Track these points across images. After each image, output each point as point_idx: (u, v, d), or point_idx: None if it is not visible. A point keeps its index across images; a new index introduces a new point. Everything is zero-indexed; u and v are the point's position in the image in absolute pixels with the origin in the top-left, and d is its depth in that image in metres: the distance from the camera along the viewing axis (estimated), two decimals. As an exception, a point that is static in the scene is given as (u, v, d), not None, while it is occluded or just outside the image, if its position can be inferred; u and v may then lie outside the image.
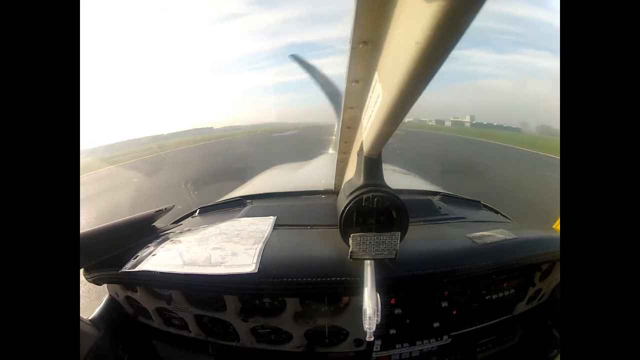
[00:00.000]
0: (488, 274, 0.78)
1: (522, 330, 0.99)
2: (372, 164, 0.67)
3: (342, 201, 0.69)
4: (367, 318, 0.57)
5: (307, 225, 0.96)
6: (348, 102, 0.63)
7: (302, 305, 0.77)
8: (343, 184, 0.89)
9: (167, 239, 0.85)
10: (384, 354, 0.83)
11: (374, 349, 0.82)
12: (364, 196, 0.62)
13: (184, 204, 1.81)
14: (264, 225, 0.93)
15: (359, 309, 0.59)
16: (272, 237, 0.84)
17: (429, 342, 0.84)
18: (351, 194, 0.65)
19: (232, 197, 1.41)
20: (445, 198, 1.29)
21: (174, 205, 1.01)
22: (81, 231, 0.64)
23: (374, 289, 0.60)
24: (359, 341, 0.81)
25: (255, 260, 0.70)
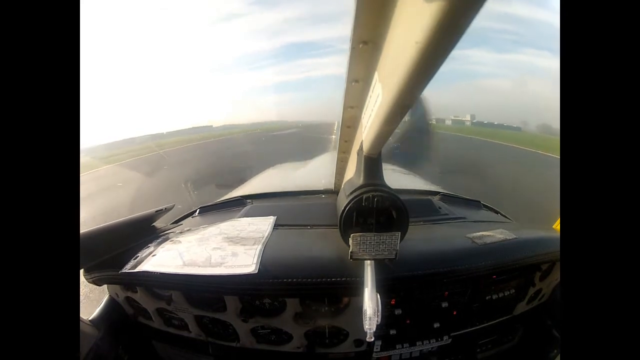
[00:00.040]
0: (488, 274, 0.78)
1: (522, 330, 0.99)
2: (372, 164, 0.67)
3: (342, 201, 0.69)
4: (367, 318, 0.57)
5: (307, 225, 0.96)
6: (348, 101, 0.63)
7: (302, 305, 0.77)
8: (343, 184, 0.89)
9: (167, 239, 0.85)
10: (384, 354, 0.83)
11: (374, 350, 0.82)
12: (364, 196, 0.62)
13: (184, 204, 1.81)
14: (264, 225, 0.93)
15: (359, 310, 0.59)
16: (272, 237, 0.84)
17: (429, 342, 0.84)
18: (351, 193, 0.65)
19: (232, 196, 1.41)
20: (445, 198, 1.29)
21: (174, 205, 1.01)
22: (81, 231, 0.64)
23: (374, 290, 0.60)
24: (359, 341, 0.81)
25: (255, 261, 0.70)
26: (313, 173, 2.07)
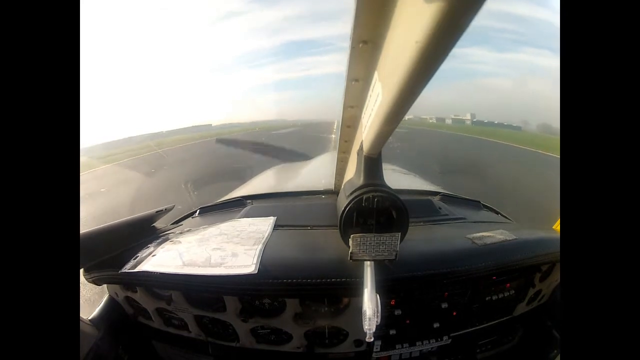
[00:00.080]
0: (488, 274, 0.78)
1: (522, 331, 0.99)
2: (372, 164, 0.67)
3: (342, 201, 0.69)
4: (367, 319, 0.57)
5: (307, 226, 0.96)
6: (348, 101, 0.63)
7: (302, 306, 0.77)
8: (343, 184, 0.89)
9: (167, 239, 0.85)
10: (384, 354, 0.83)
11: (374, 350, 0.82)
12: (364, 196, 0.62)
13: (183, 204, 1.81)
14: (264, 225, 0.93)
15: (359, 310, 0.59)
16: (272, 238, 0.84)
17: (429, 342, 0.84)
18: (351, 194, 0.65)
19: (232, 197, 1.41)
20: (446, 198, 1.29)
21: (174, 206, 1.01)
22: (81, 231, 0.64)
23: (374, 290, 0.60)
24: (359, 342, 0.81)
25: (255, 261, 0.70)
26: (313, 173, 2.07)
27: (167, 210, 0.95)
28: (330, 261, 0.72)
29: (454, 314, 0.83)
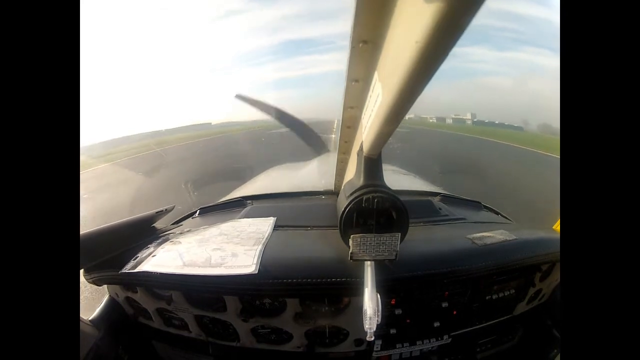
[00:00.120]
0: (488, 274, 0.78)
1: (522, 330, 0.99)
2: (372, 164, 0.67)
3: (342, 202, 0.69)
4: (368, 318, 0.57)
5: (307, 226, 0.96)
6: (348, 101, 0.63)
7: (303, 305, 0.77)
8: (343, 185, 0.89)
9: (167, 239, 0.85)
10: (384, 353, 0.83)
11: (374, 349, 0.82)
12: (364, 197, 0.62)
13: (183, 205, 1.81)
14: (264, 226, 0.93)
15: (360, 309, 0.59)
16: (272, 238, 0.84)
17: (429, 342, 0.84)
18: (351, 194, 0.65)
19: (232, 197, 1.41)
20: (446, 199, 1.29)
21: (174, 206, 1.01)
22: (81, 232, 0.64)
23: (375, 290, 0.60)
24: (360, 341, 0.81)
25: (255, 261, 0.70)
26: (313, 174, 2.07)
27: (167, 211, 0.96)
28: (330, 261, 0.72)
29: (454, 313, 0.83)
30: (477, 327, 0.88)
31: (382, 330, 0.80)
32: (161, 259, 0.73)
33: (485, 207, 1.37)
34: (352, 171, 0.77)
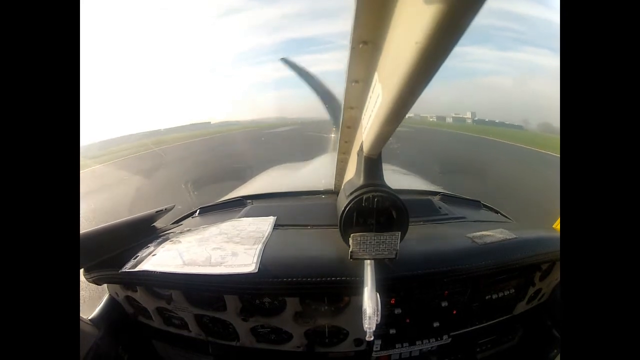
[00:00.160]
0: (488, 273, 0.78)
1: (522, 330, 0.99)
2: (372, 164, 0.67)
3: (342, 201, 0.69)
4: (367, 318, 0.57)
5: (307, 225, 0.96)
6: (348, 102, 0.63)
7: (302, 305, 0.77)
8: (343, 184, 0.89)
9: (167, 239, 0.85)
10: (384, 353, 0.83)
11: (374, 349, 0.82)
12: (364, 196, 0.62)
13: (183, 204, 1.81)
14: (264, 225, 0.93)
15: (359, 309, 0.59)
16: (272, 237, 0.84)
17: (429, 341, 0.84)
18: (351, 194, 0.65)
19: (232, 197, 1.41)
20: (445, 198, 1.30)
21: (174, 206, 1.01)
22: (81, 231, 0.64)
23: (374, 289, 0.60)
24: (359, 341, 0.81)
25: (255, 260, 0.70)
26: (313, 173, 2.07)
27: (167, 210, 0.96)
28: (330, 260, 0.72)
29: (454, 312, 0.83)
30: (477, 327, 0.88)
31: (381, 330, 0.80)
32: (161, 258, 0.73)
33: (485, 206, 1.37)
34: (352, 171, 0.77)
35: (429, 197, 1.28)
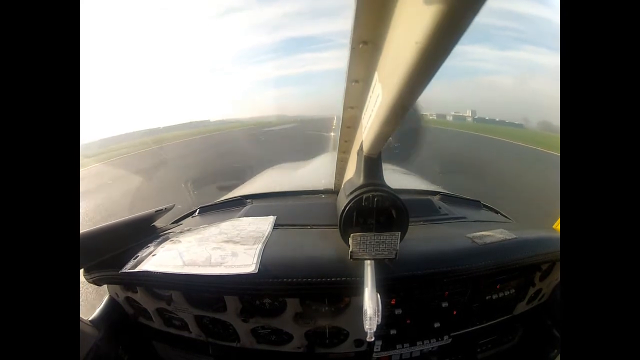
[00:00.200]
0: (488, 274, 0.78)
1: (522, 330, 0.99)
2: (372, 164, 0.67)
3: (342, 201, 0.69)
4: (368, 318, 0.57)
5: (307, 225, 0.96)
6: (348, 101, 0.63)
7: (303, 305, 0.77)
8: (343, 184, 0.89)
9: (167, 239, 0.85)
10: (385, 354, 0.83)
11: (375, 350, 0.82)
12: (364, 196, 0.62)
13: (183, 204, 1.81)
14: (264, 225, 0.93)
15: (360, 310, 0.59)
16: (272, 237, 0.84)
17: (430, 342, 0.84)
18: (351, 193, 0.65)
19: (232, 196, 1.41)
20: (445, 198, 1.30)
21: (174, 205, 1.01)
22: (81, 231, 0.64)
23: (375, 290, 0.60)
24: (360, 341, 0.81)
25: (255, 261, 0.70)
26: (313, 173, 2.07)
27: (166, 210, 0.96)
28: (330, 260, 0.72)
29: (455, 313, 0.83)
30: (477, 327, 0.88)
31: (382, 330, 0.80)
32: (161, 259, 0.73)
33: (485, 206, 1.37)
34: (352, 170, 0.77)
35: (429, 197, 1.28)
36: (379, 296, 0.59)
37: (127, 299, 0.87)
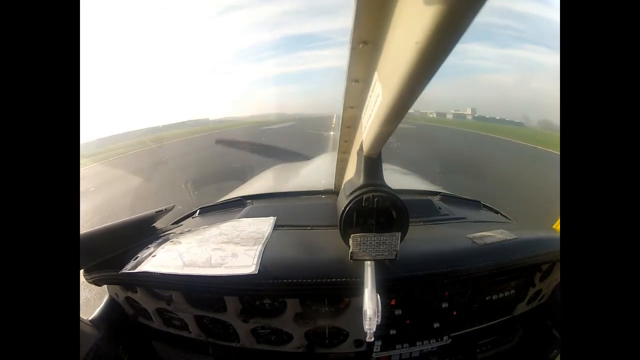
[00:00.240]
0: (488, 274, 0.78)
1: (522, 330, 0.99)
2: (372, 164, 0.67)
3: (342, 201, 0.69)
4: (368, 319, 0.57)
5: (307, 226, 0.96)
6: (348, 101, 0.63)
7: (303, 306, 0.77)
8: (343, 184, 0.89)
9: (167, 239, 0.85)
10: (384, 354, 0.83)
11: (374, 350, 0.82)
12: (364, 196, 0.62)
13: (183, 204, 1.81)
14: (264, 225, 0.93)
15: (359, 310, 0.59)
16: (272, 238, 0.84)
17: (429, 342, 0.84)
18: (351, 194, 0.65)
19: (232, 197, 1.41)
20: (445, 198, 1.29)
21: (174, 206, 1.01)
22: (81, 232, 0.64)
23: (374, 290, 0.60)
24: (359, 342, 0.81)
25: (255, 262, 0.70)
26: (313, 173, 2.07)
27: (167, 211, 0.96)
28: (330, 261, 0.72)
29: (454, 313, 0.83)
30: (477, 327, 0.88)
31: (382, 330, 0.80)
32: (161, 259, 0.73)
33: (485, 206, 1.37)
34: (352, 170, 0.77)
35: (429, 197, 1.28)
36: (378, 297, 0.59)
37: (127, 299, 0.87)
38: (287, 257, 0.75)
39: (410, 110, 0.45)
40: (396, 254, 0.66)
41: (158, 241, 0.84)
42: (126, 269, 0.71)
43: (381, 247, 0.65)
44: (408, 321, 0.81)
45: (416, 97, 0.39)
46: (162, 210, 0.93)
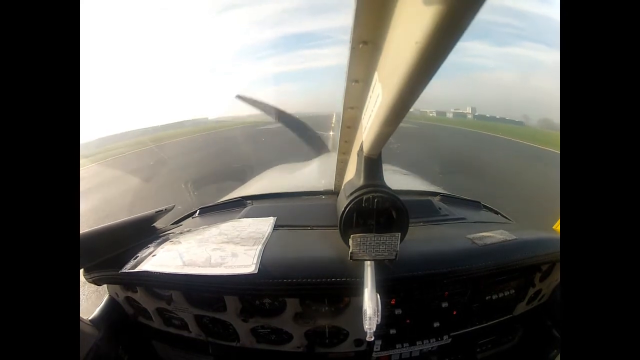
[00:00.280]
0: (488, 274, 0.78)
1: (522, 330, 0.99)
2: (372, 164, 0.67)
3: (342, 202, 0.69)
4: (368, 318, 0.57)
5: (307, 226, 0.96)
6: (348, 101, 0.63)
7: (302, 305, 0.77)
8: (343, 185, 0.89)
9: (167, 239, 0.85)
10: (384, 354, 0.83)
11: (374, 349, 0.82)
12: (364, 197, 0.62)
13: (184, 204, 1.81)
14: (264, 226, 0.93)
15: (359, 310, 0.59)
16: (272, 238, 0.84)
17: (429, 342, 0.84)
18: (351, 194, 0.65)
19: (232, 197, 1.41)
20: (445, 199, 1.29)
21: (174, 206, 1.01)
22: (81, 231, 0.64)
23: (374, 290, 0.60)
24: (359, 341, 0.81)
25: (255, 261, 0.70)
26: (313, 174, 2.07)
27: (167, 211, 0.96)
28: (330, 261, 0.72)
29: (454, 313, 0.83)
30: (477, 327, 0.88)
31: (382, 330, 0.80)
32: (161, 259, 0.73)
33: (485, 206, 1.37)
34: (352, 171, 0.77)
35: (429, 197, 1.28)
36: (378, 296, 0.59)
37: (127, 298, 0.87)
38: (287, 257, 0.75)
39: (410, 109, 0.45)
40: (396, 254, 0.66)
41: (158, 241, 0.84)
42: (126, 269, 0.72)
43: (381, 247, 0.65)
44: (408, 321, 0.81)
45: (416, 97, 0.39)
46: (162, 210, 0.93)
